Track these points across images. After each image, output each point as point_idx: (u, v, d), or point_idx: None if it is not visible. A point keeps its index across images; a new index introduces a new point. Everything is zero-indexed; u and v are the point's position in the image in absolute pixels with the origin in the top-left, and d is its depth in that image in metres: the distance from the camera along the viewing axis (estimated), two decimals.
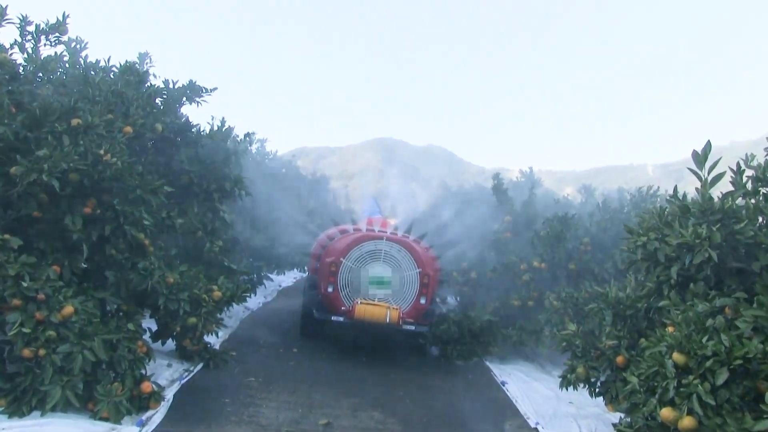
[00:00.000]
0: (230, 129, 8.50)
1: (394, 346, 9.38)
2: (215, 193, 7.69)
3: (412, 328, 8.22)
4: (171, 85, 7.79)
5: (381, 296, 8.29)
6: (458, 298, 11.69)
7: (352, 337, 9.65)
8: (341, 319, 8.18)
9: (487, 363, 8.69)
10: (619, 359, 4.71)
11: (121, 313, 5.57)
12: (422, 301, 8.36)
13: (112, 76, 6.95)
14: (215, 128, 8.31)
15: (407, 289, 8.36)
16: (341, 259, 8.32)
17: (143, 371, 5.20)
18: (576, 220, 9.05)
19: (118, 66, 7.15)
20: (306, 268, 13.78)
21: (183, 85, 7.89)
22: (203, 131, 8.05)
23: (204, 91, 8.07)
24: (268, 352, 8.17)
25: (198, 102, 8.04)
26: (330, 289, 8.31)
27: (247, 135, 9.76)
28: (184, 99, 7.98)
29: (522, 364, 8.84)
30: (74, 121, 5.20)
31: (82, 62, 6.99)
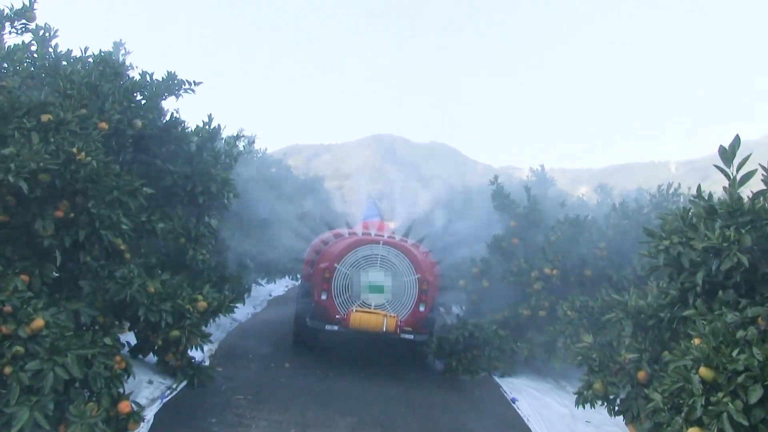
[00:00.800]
0: (216, 129, 8.41)
1: (395, 359, 9.33)
2: (200, 196, 7.64)
3: (411, 337, 8.33)
4: (151, 78, 7.72)
5: (378, 303, 8.40)
6: (464, 308, 11.64)
7: (348, 349, 9.60)
8: (336, 328, 8.29)
9: (496, 378, 8.64)
10: (641, 374, 4.65)
11: (96, 326, 5.48)
12: (421, 308, 8.47)
13: (86, 68, 6.88)
14: (201, 125, 8.24)
15: (405, 296, 8.47)
16: (336, 264, 8.42)
17: (121, 389, 5.10)
18: (590, 223, 9.00)
19: (93, 57, 7.09)
20: (299, 275, 13.73)
21: (163, 78, 7.83)
22: (188, 128, 7.99)
23: (187, 84, 8.01)
24: (257, 367, 8.11)
25: (179, 95, 7.97)
26: (324, 297, 8.41)
27: (238, 137, 9.68)
28: (166, 93, 7.92)
29: (534, 380, 8.78)
30: (44, 117, 5.13)
31: (51, 52, 6.91)
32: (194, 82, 7.98)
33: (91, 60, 7.09)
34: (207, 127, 8.30)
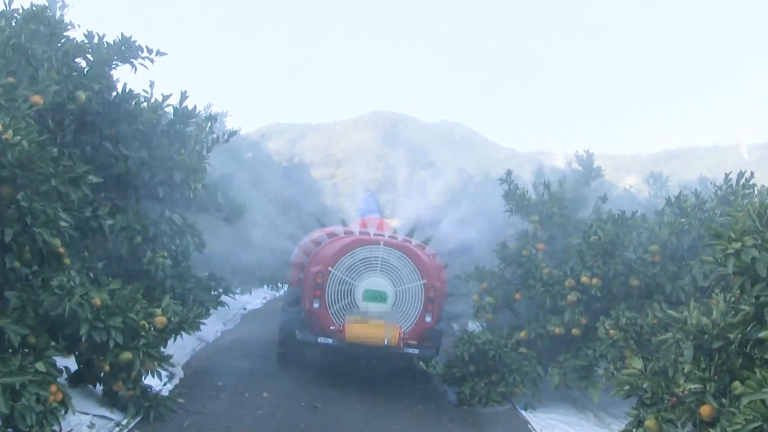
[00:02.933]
0: (189, 110, 8.27)
1: (398, 384, 9.37)
2: (160, 187, 7.63)
3: (416, 351, 8.59)
4: (98, 41, 7.66)
5: (378, 313, 8.62)
6: (485, 325, 11.61)
7: (340, 370, 9.63)
8: (330, 341, 8.50)
9: (522, 411, 8.60)
10: (705, 409, 4.62)
11: (26, 349, 5.41)
12: (427, 319, 8.77)
13: (12, 26, 6.79)
14: (162, 98, 8.15)
15: (409, 305, 8.75)
16: (330, 268, 8.66)
17: (57, 427, 5.09)
18: (639, 221, 8.92)
19: (22, 12, 6.99)
20: (281, 282, 13.76)
21: (114, 41, 7.78)
22: (144, 103, 7.94)
23: (145, 51, 7.96)
24: (228, 397, 8.09)
25: (135, 65, 7.93)
26: (316, 305, 8.65)
27: (213, 118, 9.50)
28: (117, 60, 7.87)
29: (569, 413, 8.74)
30: None
31: None
32: (157, 51, 7.97)
33: (18, 15, 6.99)
34: (162, 102, 8.20)
